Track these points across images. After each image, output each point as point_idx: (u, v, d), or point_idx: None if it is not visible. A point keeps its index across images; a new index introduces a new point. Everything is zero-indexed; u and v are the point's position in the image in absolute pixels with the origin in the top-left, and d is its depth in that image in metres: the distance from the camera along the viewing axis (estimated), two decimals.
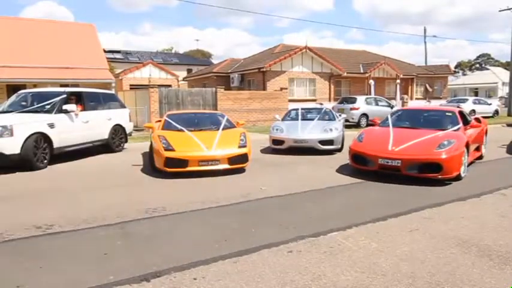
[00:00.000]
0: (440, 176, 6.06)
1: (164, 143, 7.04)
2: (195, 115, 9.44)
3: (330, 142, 9.54)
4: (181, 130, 7.83)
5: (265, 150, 10.27)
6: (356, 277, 3.04)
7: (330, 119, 10.95)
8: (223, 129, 8.04)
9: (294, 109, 11.88)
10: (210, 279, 3.00)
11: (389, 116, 8.09)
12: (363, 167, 6.77)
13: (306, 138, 9.58)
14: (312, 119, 10.83)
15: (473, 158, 7.79)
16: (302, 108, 11.77)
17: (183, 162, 6.81)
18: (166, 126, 8.15)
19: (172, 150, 6.90)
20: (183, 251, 3.57)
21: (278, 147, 9.83)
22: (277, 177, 7.01)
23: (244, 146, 7.35)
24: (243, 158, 7.25)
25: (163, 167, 6.87)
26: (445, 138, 6.46)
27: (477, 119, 8.47)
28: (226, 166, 6.99)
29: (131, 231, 4.14)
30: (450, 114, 7.69)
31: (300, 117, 11.04)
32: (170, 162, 6.81)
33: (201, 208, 4.97)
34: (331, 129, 9.84)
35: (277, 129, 10.12)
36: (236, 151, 7.18)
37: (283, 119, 11.31)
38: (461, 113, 7.84)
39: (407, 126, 7.55)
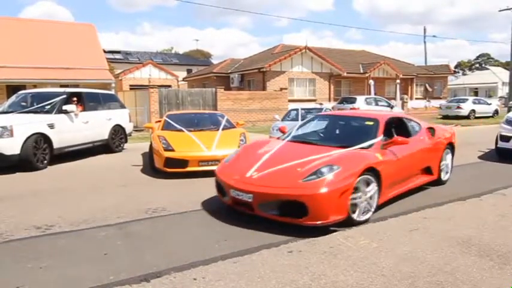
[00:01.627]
0: (308, 222, 3.96)
1: (164, 143, 7.03)
2: (195, 115, 9.40)
3: None
4: (181, 130, 7.78)
5: None
6: (356, 277, 3.04)
7: None
8: (223, 129, 8.00)
9: (293, 109, 11.76)
10: (210, 280, 3.00)
11: (298, 125, 6.14)
12: (223, 198, 4.82)
13: None
14: None
15: (416, 184, 5.61)
16: (302, 109, 11.63)
17: (183, 163, 6.78)
18: (166, 127, 8.12)
19: (172, 150, 6.89)
20: (183, 251, 3.57)
21: None
22: None
23: None
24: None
25: (163, 167, 6.86)
26: (328, 163, 4.26)
27: (430, 129, 6.18)
28: None
29: (131, 232, 4.13)
30: (370, 123, 5.36)
31: (300, 117, 10.87)
32: (170, 162, 6.79)
33: (201, 208, 4.97)
34: None
35: (277, 130, 9.93)
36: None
37: (283, 119, 11.15)
38: (393, 121, 5.76)
39: (308, 140, 5.47)
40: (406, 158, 5.18)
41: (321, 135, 5.87)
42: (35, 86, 14.61)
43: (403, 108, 22.81)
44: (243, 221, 4.50)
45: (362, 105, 18.36)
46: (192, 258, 3.36)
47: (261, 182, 4.29)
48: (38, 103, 8.63)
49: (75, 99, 9.11)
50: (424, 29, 43.01)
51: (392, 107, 19.45)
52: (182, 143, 7.17)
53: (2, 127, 7.20)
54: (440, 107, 24.80)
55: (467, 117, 22.73)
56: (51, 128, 8.01)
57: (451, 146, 6.57)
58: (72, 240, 3.89)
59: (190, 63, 44.81)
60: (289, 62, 22.75)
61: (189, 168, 6.80)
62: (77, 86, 14.83)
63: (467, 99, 24.69)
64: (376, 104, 19.21)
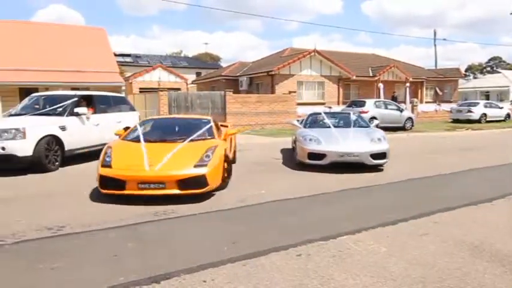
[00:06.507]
0: None
1: (107, 156, 5.71)
2: (175, 121, 7.86)
3: (382, 155, 7.77)
4: (137, 141, 6.32)
5: (275, 155, 10.25)
6: (365, 281, 3.03)
7: (363, 126, 9.34)
8: (192, 140, 6.34)
9: (315, 113, 10.29)
10: (219, 282, 3.01)
11: None
12: None
13: (354, 151, 7.69)
14: (343, 126, 9.23)
15: None
16: (325, 113, 10.21)
17: (119, 183, 5.28)
18: (130, 135, 6.76)
19: (109, 166, 5.49)
20: (192, 253, 3.59)
21: (316, 163, 7.81)
22: (286, 181, 7.00)
23: (204, 165, 5.50)
24: (199, 182, 5.37)
25: (99, 187, 5.49)
26: None
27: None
28: (175, 191, 5.28)
29: (141, 233, 4.17)
30: None
31: (330, 124, 9.30)
32: (105, 181, 5.39)
33: (210, 211, 4.99)
34: (379, 139, 8.06)
35: (311, 140, 8.06)
36: (189, 172, 5.38)
37: (306, 126, 9.44)
38: None
39: None
40: None
41: None
42: (47, 89, 14.80)
43: (413, 111, 22.60)
44: (251, 223, 4.52)
45: (371, 109, 18.23)
46: (201, 261, 3.37)
47: None
48: (50, 105, 8.75)
49: (86, 101, 9.22)
50: (434, 32, 42.62)
51: (402, 110, 19.30)
52: (127, 157, 5.75)
53: (15, 129, 7.32)
54: (451, 111, 24.56)
55: (478, 121, 22.48)
56: (62, 130, 8.12)
57: None
58: (83, 242, 3.93)
59: (200, 66, 45.11)
60: (298, 65, 22.73)
61: (127, 192, 5.28)
62: (87, 88, 15.00)
63: (478, 103, 24.43)
64: (386, 108, 19.06)
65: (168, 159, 5.55)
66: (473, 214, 4.87)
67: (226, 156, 6.25)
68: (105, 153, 5.81)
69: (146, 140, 6.30)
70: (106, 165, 5.53)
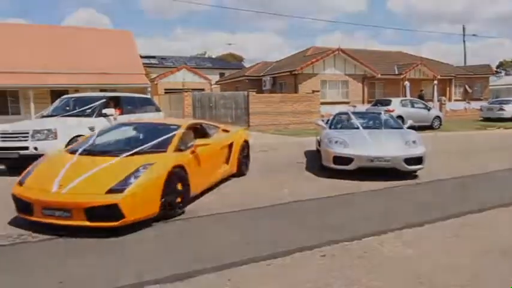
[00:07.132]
0: None
1: (31, 169, 4.80)
2: (139, 129, 6.30)
3: (417, 160, 6.94)
4: (73, 152, 5.15)
5: (298, 156, 10.20)
6: (391, 283, 2.98)
7: (395, 127, 8.43)
8: (136, 153, 4.87)
9: (342, 113, 9.52)
10: (243, 281, 3.03)
11: None
12: None
13: (386, 155, 6.89)
14: (373, 127, 8.40)
15: None
16: (353, 113, 9.37)
17: (27, 206, 4.27)
18: (79, 144, 5.61)
19: (22, 184, 4.53)
20: (217, 253, 3.62)
21: (343, 168, 7.04)
22: (311, 181, 6.95)
23: (121, 190, 4.11)
24: (110, 213, 4.03)
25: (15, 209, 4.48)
26: None
27: None
28: (84, 223, 4.02)
29: (165, 232, 4.25)
30: None
31: (359, 124, 8.27)
32: (16, 202, 4.42)
33: (234, 210, 5.02)
34: (414, 142, 7.23)
35: (337, 142, 7.29)
36: (98, 198, 4.07)
37: (331, 126, 8.62)
38: None
39: None
40: None
41: None
42: (77, 91, 15.30)
43: (441, 110, 21.95)
44: (274, 223, 4.52)
45: (397, 107, 17.82)
46: (225, 260, 3.40)
47: None
48: (80, 107, 9.05)
49: (113, 102, 9.47)
50: (463, 28, 41.03)
51: (429, 109, 18.79)
52: (46, 173, 4.65)
53: (47, 130, 7.61)
54: (481, 109, 23.73)
55: (510, 119, 21.61)
56: (91, 131, 8.35)
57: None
58: (110, 240, 4.03)
59: (223, 66, 45.45)
60: (321, 65, 22.52)
61: (34, 218, 4.22)
62: (115, 90, 15.39)
63: (510, 101, 23.46)
64: (412, 106, 18.59)
65: (84, 179, 4.31)
66: (506, 216, 4.69)
67: (172, 175, 4.64)
68: (33, 165, 4.90)
69: (85, 152, 5.08)
70: (20, 181, 4.57)
